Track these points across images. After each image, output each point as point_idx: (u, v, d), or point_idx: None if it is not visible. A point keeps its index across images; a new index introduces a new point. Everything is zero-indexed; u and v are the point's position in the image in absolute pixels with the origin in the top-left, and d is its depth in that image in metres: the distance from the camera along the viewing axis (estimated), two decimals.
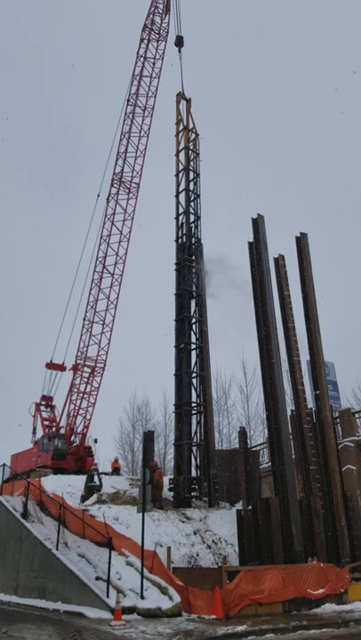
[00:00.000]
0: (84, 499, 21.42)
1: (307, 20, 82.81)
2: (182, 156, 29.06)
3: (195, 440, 24.11)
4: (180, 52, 32.78)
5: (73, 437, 30.15)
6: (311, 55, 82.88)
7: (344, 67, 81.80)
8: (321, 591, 15.29)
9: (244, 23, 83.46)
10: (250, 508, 19.70)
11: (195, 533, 19.19)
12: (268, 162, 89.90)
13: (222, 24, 72.20)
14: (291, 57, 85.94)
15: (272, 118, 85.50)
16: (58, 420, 31.64)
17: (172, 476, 24.28)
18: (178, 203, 28.25)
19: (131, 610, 13.12)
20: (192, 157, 29.31)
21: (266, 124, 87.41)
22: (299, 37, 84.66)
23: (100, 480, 22.68)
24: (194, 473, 23.57)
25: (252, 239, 23.00)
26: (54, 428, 31.24)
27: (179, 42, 33.04)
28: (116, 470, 28.18)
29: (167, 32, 33.28)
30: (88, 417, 30.27)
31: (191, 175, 28.78)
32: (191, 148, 29.45)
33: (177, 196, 28.40)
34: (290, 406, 21.82)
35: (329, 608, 14.99)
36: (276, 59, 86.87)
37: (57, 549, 15.81)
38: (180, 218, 27.87)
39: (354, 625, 12.44)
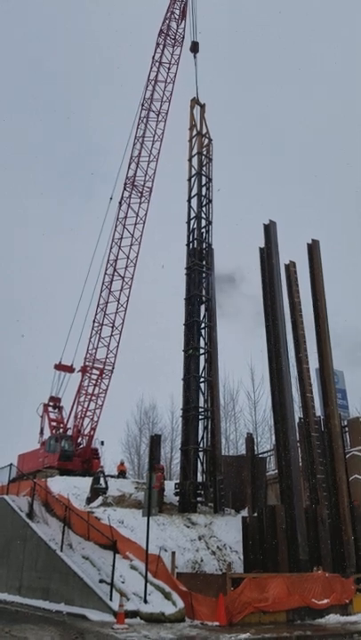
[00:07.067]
0: (89, 501, 21.43)
1: (307, 23, 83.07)
2: (195, 161, 29.15)
3: (201, 445, 24.04)
4: (195, 57, 32.92)
5: (80, 439, 30.17)
6: (313, 56, 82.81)
7: (344, 71, 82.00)
8: (326, 601, 15.13)
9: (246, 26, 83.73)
10: (255, 515, 19.60)
11: (199, 539, 19.11)
12: (267, 163, 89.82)
13: (221, 25, 72.28)
14: (292, 58, 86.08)
15: (271, 119, 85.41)
16: (65, 421, 31.73)
17: (177, 481, 24.22)
18: (189, 207, 28.31)
19: (134, 614, 13.10)
20: (205, 163, 29.36)
21: (265, 124, 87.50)
22: (301, 39, 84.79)
23: (105, 482, 22.68)
24: (200, 478, 23.48)
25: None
26: (61, 430, 31.32)
27: (194, 47, 33.18)
28: (121, 473, 28.17)
29: (183, 37, 33.44)
30: (95, 419, 30.30)
31: (203, 180, 28.84)
32: (204, 153, 29.52)
33: (189, 201, 28.46)
34: (298, 414, 21.70)
35: (333, 619, 14.83)
36: (276, 59, 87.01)
37: (61, 551, 15.85)
38: (192, 222, 27.92)
39: (358, 637, 12.30)
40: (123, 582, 14.53)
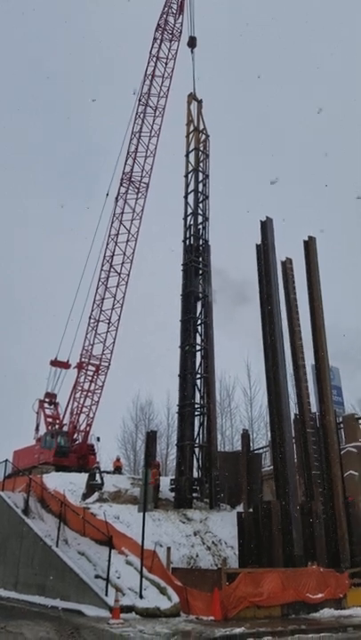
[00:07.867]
0: (85, 497, 21.44)
1: (307, 23, 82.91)
2: (192, 156, 29.09)
3: (197, 441, 24.08)
4: (192, 52, 32.80)
5: (76, 435, 30.20)
6: (313, 56, 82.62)
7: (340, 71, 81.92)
8: (320, 596, 15.25)
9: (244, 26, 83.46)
10: (251, 510, 19.67)
11: (195, 534, 19.17)
12: (267, 162, 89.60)
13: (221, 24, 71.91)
14: (292, 58, 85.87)
15: (271, 119, 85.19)
16: (61, 417, 31.73)
17: (173, 477, 24.27)
18: (186, 204, 28.26)
19: (129, 609, 13.15)
20: (202, 159, 29.29)
21: (265, 124, 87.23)
22: (301, 39, 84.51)
23: (101, 478, 22.69)
24: (196, 474, 23.54)
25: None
26: (57, 426, 31.32)
27: (192, 42, 33.03)
28: (117, 469, 28.19)
29: (180, 32, 33.27)
30: (91, 415, 30.33)
31: (200, 176, 28.78)
32: (201, 149, 29.45)
33: (185, 197, 28.40)
34: (293, 410, 21.78)
35: (328, 613, 14.96)
36: (276, 59, 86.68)
37: (57, 546, 15.87)
38: (189, 219, 27.88)
39: (352, 630, 12.40)
40: (118, 578, 14.58)
